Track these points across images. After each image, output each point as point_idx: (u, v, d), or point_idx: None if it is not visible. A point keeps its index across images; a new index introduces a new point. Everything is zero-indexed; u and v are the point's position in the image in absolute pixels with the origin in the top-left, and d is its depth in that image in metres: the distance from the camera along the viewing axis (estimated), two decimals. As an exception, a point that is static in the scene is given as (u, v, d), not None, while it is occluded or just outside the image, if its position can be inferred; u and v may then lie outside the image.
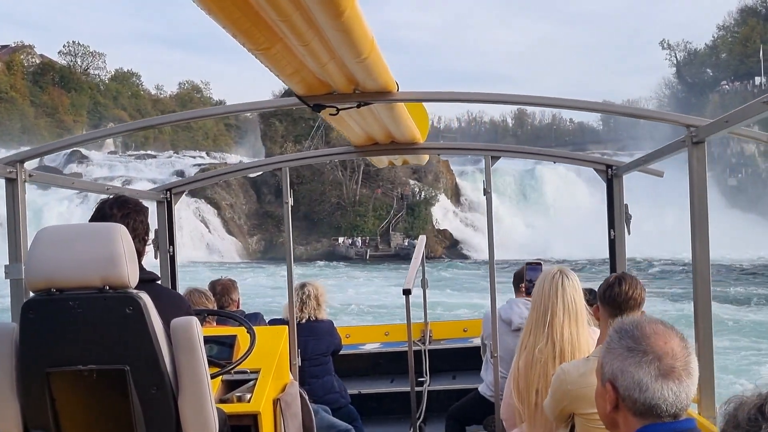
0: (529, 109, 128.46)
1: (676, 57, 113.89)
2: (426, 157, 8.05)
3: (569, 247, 65.48)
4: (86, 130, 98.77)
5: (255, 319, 6.93)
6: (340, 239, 73.32)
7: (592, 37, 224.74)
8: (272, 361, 4.87)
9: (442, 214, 77.36)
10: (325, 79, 4.23)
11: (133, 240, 3.54)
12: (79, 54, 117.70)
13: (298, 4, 3.00)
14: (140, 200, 4.03)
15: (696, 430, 2.23)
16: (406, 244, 70.20)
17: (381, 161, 7.93)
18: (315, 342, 7.12)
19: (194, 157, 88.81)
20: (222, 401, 4.52)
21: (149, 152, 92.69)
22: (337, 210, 75.27)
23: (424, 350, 8.34)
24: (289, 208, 6.57)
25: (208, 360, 3.66)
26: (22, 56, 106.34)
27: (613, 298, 3.97)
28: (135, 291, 3.32)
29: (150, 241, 4.08)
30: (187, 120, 6.02)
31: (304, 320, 7.09)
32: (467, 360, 8.39)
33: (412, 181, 76.65)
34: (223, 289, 6.90)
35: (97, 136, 5.91)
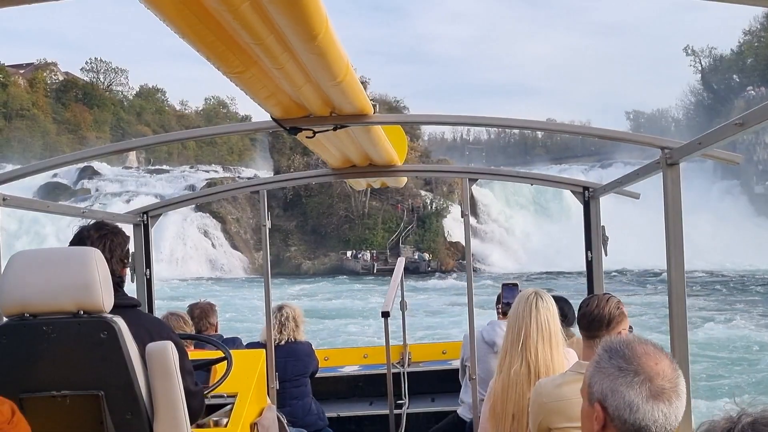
0: (558, 119, 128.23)
1: (700, 63, 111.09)
2: (404, 180, 8.07)
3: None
4: None
5: (233, 343, 6.90)
6: (348, 253, 72.31)
7: (621, 47, 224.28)
8: (249, 385, 4.84)
9: (456, 225, 74.46)
10: (301, 102, 4.23)
11: (111, 261, 3.51)
12: (102, 70, 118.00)
13: (272, 27, 3.00)
14: (120, 228, 4.00)
15: None
16: (416, 257, 69.73)
17: (359, 183, 7.94)
18: (294, 363, 7.11)
19: (208, 171, 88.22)
20: (199, 426, 4.48)
21: (164, 167, 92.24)
22: (345, 223, 74.37)
23: (403, 373, 8.31)
24: (267, 231, 6.55)
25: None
26: (45, 74, 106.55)
27: (580, 318, 4.00)
28: (110, 316, 3.29)
29: (129, 264, 4.03)
30: (163, 143, 6.01)
31: (283, 342, 7.08)
32: (446, 382, 8.37)
33: (423, 192, 75.71)
34: (201, 313, 6.88)
35: (75, 159, 5.83)
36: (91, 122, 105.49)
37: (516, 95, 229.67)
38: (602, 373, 2.24)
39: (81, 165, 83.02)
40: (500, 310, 6.17)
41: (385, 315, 7.25)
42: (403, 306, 8.85)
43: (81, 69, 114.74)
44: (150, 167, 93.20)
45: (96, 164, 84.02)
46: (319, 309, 38.84)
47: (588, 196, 6.26)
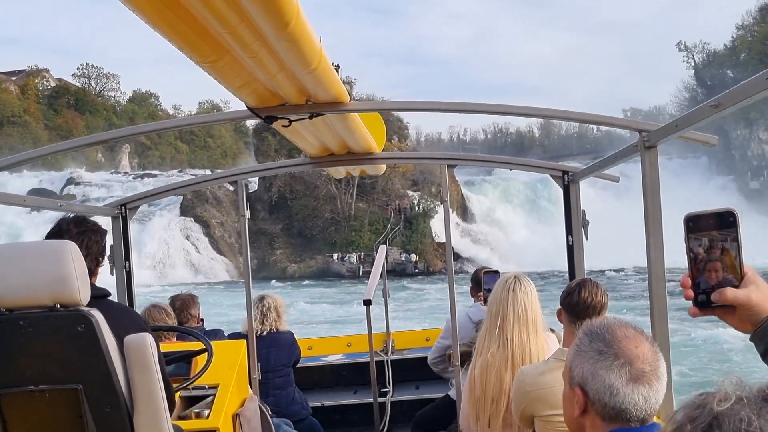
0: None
1: (694, 59, 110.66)
2: (383, 167, 8.06)
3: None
4: (101, 152, 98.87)
5: (215, 335, 6.89)
6: (335, 255, 71.56)
7: (618, 45, 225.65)
8: (231, 376, 4.84)
9: (444, 226, 75.42)
10: (276, 91, 4.21)
11: (86, 258, 3.49)
12: (93, 76, 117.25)
13: (243, 15, 2.99)
14: (99, 225, 3.97)
15: None
16: (403, 259, 69.11)
17: (338, 172, 7.92)
18: (277, 353, 7.11)
19: (196, 176, 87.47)
20: (180, 418, 4.48)
21: (153, 171, 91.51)
22: (331, 225, 73.66)
23: (387, 360, 8.32)
24: (246, 221, 6.53)
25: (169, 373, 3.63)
26: (36, 80, 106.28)
27: (573, 305, 3.98)
28: (86, 309, 3.27)
29: (103, 263, 4.00)
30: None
31: (265, 332, 7.08)
32: (430, 369, 8.38)
33: (411, 193, 75.12)
34: (182, 305, 6.86)
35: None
36: (83, 128, 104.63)
37: (515, 95, 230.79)
38: (582, 357, 2.25)
39: (68, 171, 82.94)
40: (482, 297, 6.17)
41: (367, 303, 7.25)
42: (385, 294, 8.86)
43: (72, 75, 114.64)
44: (139, 172, 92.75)
45: (83, 171, 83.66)
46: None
47: (567, 180, 6.27)
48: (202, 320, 7.16)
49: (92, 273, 3.73)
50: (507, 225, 78.07)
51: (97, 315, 3.27)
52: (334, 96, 4.39)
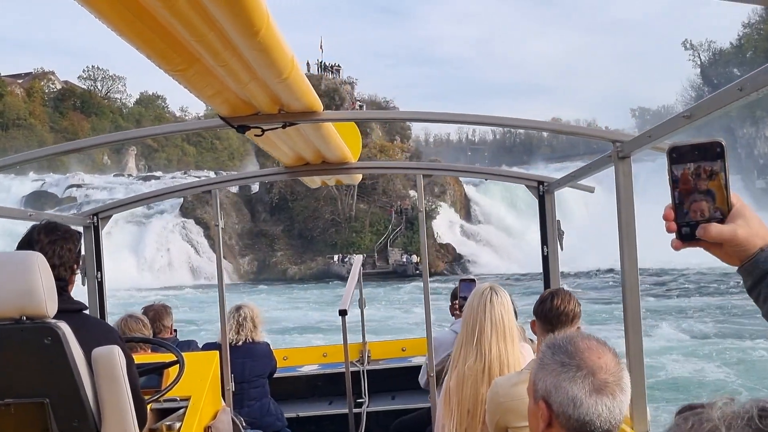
0: (564, 118, 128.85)
1: (700, 57, 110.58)
2: (359, 177, 8.04)
3: (581, 258, 63.70)
4: (107, 155, 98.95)
5: (188, 346, 6.83)
6: (335, 257, 70.91)
7: (627, 44, 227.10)
8: (203, 388, 4.78)
9: (447, 227, 74.71)
10: (249, 100, 4.18)
11: (59, 268, 3.43)
12: (99, 78, 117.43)
13: (213, 24, 2.95)
14: (72, 229, 3.86)
15: None
16: (404, 260, 68.70)
17: (314, 182, 7.89)
18: (253, 364, 7.07)
19: (199, 177, 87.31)
20: (151, 431, 4.42)
21: (156, 174, 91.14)
22: (332, 227, 73.39)
23: (363, 371, 8.29)
24: (221, 231, 6.47)
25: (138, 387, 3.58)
26: (42, 83, 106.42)
27: (545, 313, 3.99)
28: (53, 321, 3.22)
29: (78, 270, 3.90)
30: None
31: (240, 342, 7.03)
32: (406, 380, 8.36)
33: (412, 193, 72.94)
34: (155, 315, 6.80)
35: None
36: (89, 130, 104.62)
37: (522, 94, 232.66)
38: (546, 370, 2.24)
39: (71, 174, 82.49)
40: (457, 305, 6.16)
41: (343, 313, 7.22)
42: (361, 304, 8.83)
43: (78, 77, 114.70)
44: (141, 174, 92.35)
45: (86, 174, 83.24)
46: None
47: (543, 190, 6.28)
48: (175, 331, 7.10)
49: (68, 281, 3.66)
50: (510, 226, 77.52)
51: (64, 327, 3.22)
52: (307, 105, 4.37)
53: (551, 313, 3.97)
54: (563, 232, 6.28)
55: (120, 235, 69.78)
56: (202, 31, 2.98)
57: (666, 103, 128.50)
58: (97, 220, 6.37)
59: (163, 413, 4.61)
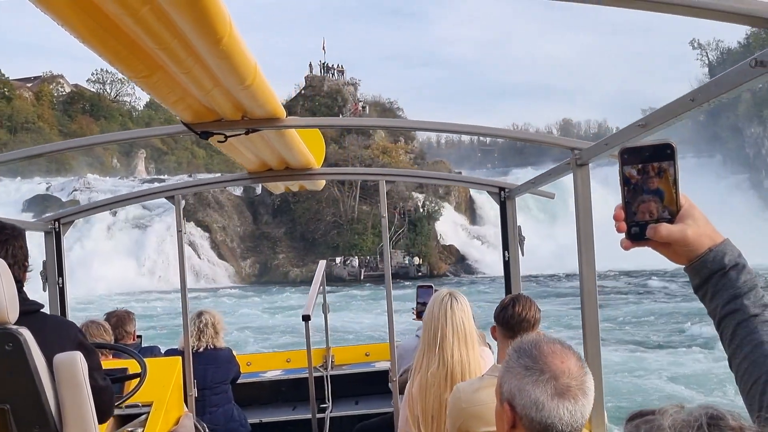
0: (575, 119, 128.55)
1: (707, 57, 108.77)
2: (322, 183, 8.07)
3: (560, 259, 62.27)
4: (116, 158, 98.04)
5: (151, 352, 6.81)
6: (337, 259, 70.06)
7: (637, 45, 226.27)
8: (165, 394, 4.78)
9: (451, 228, 74.17)
10: (212, 107, 4.20)
11: (13, 267, 3.40)
12: (108, 81, 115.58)
13: (175, 31, 2.97)
14: (15, 224, 3.78)
15: None
16: (406, 262, 68.32)
17: (277, 187, 7.91)
18: (214, 370, 7.06)
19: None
20: (113, 437, 4.41)
21: (163, 176, 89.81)
22: (333, 228, 72.79)
23: (326, 376, 8.30)
24: (182, 236, 6.45)
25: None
26: (51, 86, 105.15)
27: (507, 319, 4.03)
28: (15, 327, 3.20)
29: (30, 267, 3.79)
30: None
31: (201, 348, 7.02)
32: (370, 385, 8.39)
33: (416, 194, 74.08)
34: (117, 321, 6.76)
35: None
36: (98, 133, 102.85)
37: (533, 96, 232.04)
38: (511, 373, 2.27)
39: (72, 178, 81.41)
40: (416, 311, 6.20)
41: (306, 318, 7.24)
42: (325, 309, 8.85)
43: (87, 80, 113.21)
44: (146, 177, 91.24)
45: (92, 177, 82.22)
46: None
47: (504, 196, 6.36)
48: (139, 336, 7.07)
49: (20, 281, 3.58)
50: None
51: (26, 333, 3.20)
52: (270, 112, 4.39)
53: (513, 320, 4.01)
54: (524, 238, 6.36)
55: (120, 239, 69.04)
56: (165, 39, 2.99)
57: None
58: (59, 226, 6.33)
59: (125, 419, 4.61)
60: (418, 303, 6.11)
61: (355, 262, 70.39)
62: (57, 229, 6.33)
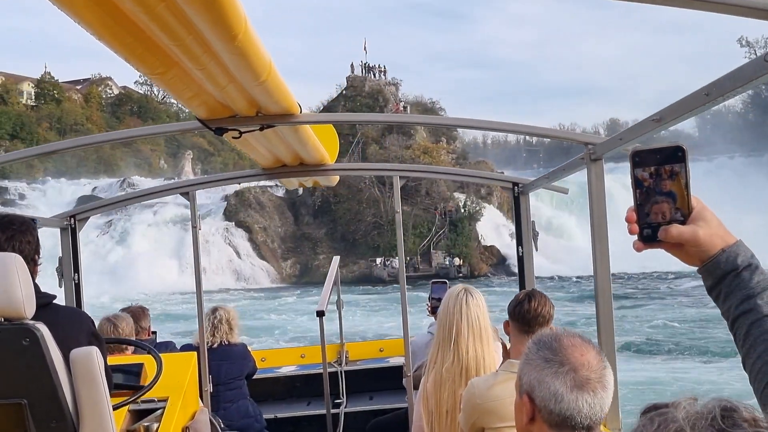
0: (622, 119, 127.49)
1: (756, 54, 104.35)
2: (336, 179, 8.08)
3: (621, 260, 61.69)
4: (164, 159, 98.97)
5: (166, 347, 6.83)
6: (378, 260, 69.56)
7: (684, 44, 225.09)
8: (180, 389, 4.80)
9: (492, 228, 72.84)
10: (226, 103, 4.21)
11: None
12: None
13: (191, 28, 2.98)
14: (26, 219, 3.73)
15: None
16: (447, 263, 67.73)
17: (291, 183, 7.92)
18: (229, 366, 7.07)
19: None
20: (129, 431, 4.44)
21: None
22: (374, 229, 71.90)
23: (341, 371, 8.32)
24: (198, 233, 6.47)
25: (117, 386, 3.58)
26: (99, 88, 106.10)
27: (522, 314, 4.02)
28: (32, 322, 3.22)
29: (40, 261, 3.79)
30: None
31: (216, 344, 7.03)
32: (384, 380, 8.40)
33: (457, 194, 73.26)
34: (132, 317, 6.78)
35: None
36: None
37: (580, 96, 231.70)
38: (530, 365, 2.28)
39: (119, 179, 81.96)
40: (430, 307, 6.20)
41: (320, 314, 7.25)
42: (339, 305, 8.87)
43: (135, 82, 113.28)
44: (192, 178, 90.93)
45: (138, 178, 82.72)
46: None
47: (518, 192, 6.34)
48: (154, 332, 7.10)
49: (34, 275, 3.58)
50: (558, 226, 75.83)
51: (43, 329, 3.22)
52: (284, 108, 4.40)
53: (528, 315, 4.01)
54: (538, 233, 6.35)
55: (163, 239, 69.23)
56: (180, 36, 3.00)
57: (726, 102, 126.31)
58: (74, 222, 6.36)
59: (141, 414, 4.63)
60: (432, 298, 6.11)
61: (395, 263, 69.79)
62: (73, 225, 6.36)
